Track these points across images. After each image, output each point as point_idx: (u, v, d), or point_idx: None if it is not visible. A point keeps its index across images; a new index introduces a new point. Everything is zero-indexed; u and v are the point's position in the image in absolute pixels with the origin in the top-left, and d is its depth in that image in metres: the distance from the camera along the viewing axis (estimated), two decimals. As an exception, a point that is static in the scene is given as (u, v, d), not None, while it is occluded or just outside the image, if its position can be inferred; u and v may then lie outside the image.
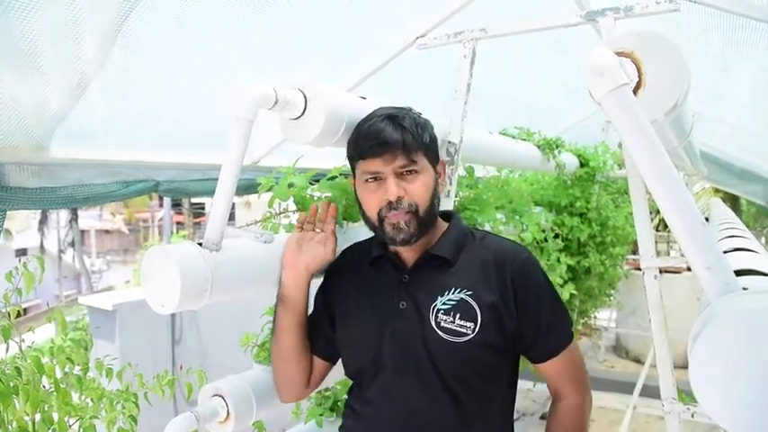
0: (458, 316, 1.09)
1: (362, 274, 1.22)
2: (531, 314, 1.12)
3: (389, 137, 1.08)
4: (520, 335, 1.13)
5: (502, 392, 1.16)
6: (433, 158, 1.16)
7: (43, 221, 16.57)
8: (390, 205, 1.09)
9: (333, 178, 1.55)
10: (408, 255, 1.18)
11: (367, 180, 1.12)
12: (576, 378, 1.16)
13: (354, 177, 1.17)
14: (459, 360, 1.09)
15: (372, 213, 1.13)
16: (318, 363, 1.28)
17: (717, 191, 7.79)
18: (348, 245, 1.51)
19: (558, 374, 1.16)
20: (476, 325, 1.08)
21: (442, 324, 1.09)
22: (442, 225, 1.21)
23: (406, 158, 1.09)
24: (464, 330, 1.08)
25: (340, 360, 1.28)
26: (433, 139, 1.17)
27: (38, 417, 1.30)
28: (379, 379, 1.14)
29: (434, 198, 1.14)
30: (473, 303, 1.09)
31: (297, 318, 1.21)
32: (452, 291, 1.11)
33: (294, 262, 1.20)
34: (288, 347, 1.22)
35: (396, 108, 1.16)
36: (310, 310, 1.27)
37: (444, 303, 1.10)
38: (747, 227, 3.04)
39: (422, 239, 1.14)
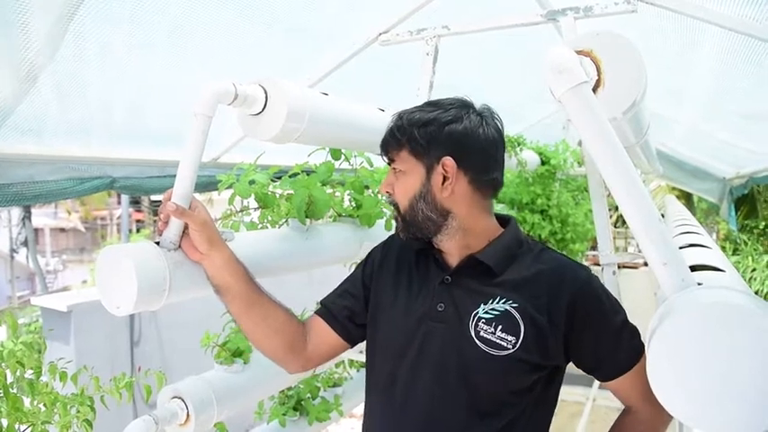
0: (499, 328, 1.02)
1: (403, 266, 1.18)
2: (592, 339, 1.05)
3: (385, 135, 1.11)
4: (577, 358, 1.08)
5: (529, 413, 1.07)
6: (427, 158, 1.06)
7: (-7, 220, 15.93)
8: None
9: (295, 175, 1.53)
10: (450, 255, 1.12)
11: None
12: (649, 390, 0.95)
13: None
14: (494, 374, 1.03)
15: None
16: (331, 335, 1.20)
17: (672, 188, 8.03)
18: (311, 242, 1.49)
19: (628, 389, 1.09)
20: (517, 340, 1.01)
21: (482, 334, 1.03)
22: (494, 230, 1.13)
23: (389, 158, 1.10)
24: (504, 344, 1.02)
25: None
26: (429, 136, 1.05)
27: (-15, 424, 1.25)
28: (401, 382, 1.09)
29: (418, 201, 1.07)
30: (517, 316, 1.03)
31: (241, 300, 1.12)
32: (497, 300, 1.04)
33: (195, 254, 1.07)
34: (253, 332, 1.16)
35: (420, 105, 1.11)
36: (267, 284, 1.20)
37: (487, 312, 1.04)
38: (700, 223, 3.14)
39: (458, 242, 1.10)
